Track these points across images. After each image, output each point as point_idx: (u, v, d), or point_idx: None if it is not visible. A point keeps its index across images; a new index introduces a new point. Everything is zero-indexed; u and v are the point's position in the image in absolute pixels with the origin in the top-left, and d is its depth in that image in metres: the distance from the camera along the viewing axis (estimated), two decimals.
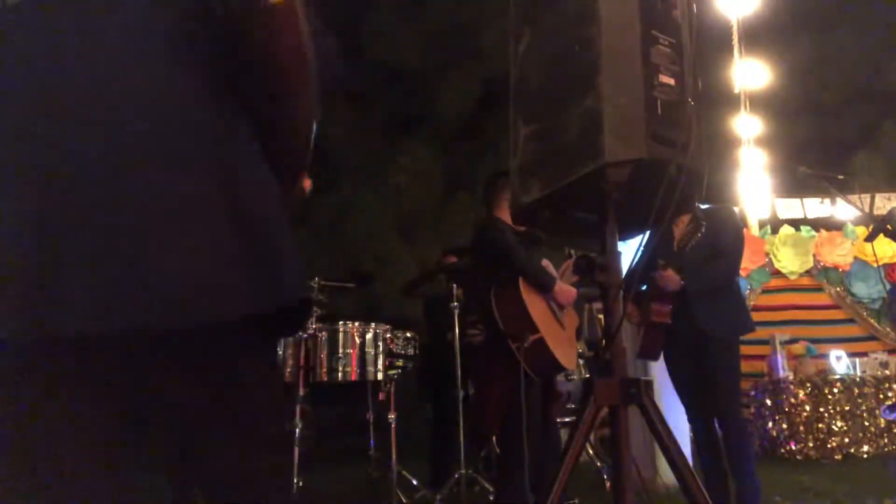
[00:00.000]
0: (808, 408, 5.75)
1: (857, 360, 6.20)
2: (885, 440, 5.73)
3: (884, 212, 3.18)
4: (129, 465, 0.85)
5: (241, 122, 0.93)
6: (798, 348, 6.38)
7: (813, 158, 9.32)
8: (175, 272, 0.80)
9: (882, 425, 5.75)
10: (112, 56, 0.85)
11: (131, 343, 0.80)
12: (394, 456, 3.84)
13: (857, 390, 5.85)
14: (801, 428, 5.71)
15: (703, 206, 3.28)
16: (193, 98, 0.88)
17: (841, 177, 2.77)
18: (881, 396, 5.84)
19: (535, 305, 2.90)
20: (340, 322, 3.76)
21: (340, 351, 3.65)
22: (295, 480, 3.42)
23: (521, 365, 2.70)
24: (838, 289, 7.03)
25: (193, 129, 0.87)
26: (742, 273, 6.72)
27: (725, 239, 3.14)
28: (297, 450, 3.45)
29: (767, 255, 7.08)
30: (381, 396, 4.03)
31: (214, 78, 0.91)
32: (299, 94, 0.98)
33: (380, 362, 3.75)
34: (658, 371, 3.57)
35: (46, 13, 0.85)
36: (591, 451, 4.48)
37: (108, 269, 0.77)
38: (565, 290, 3.03)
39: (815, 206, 7.90)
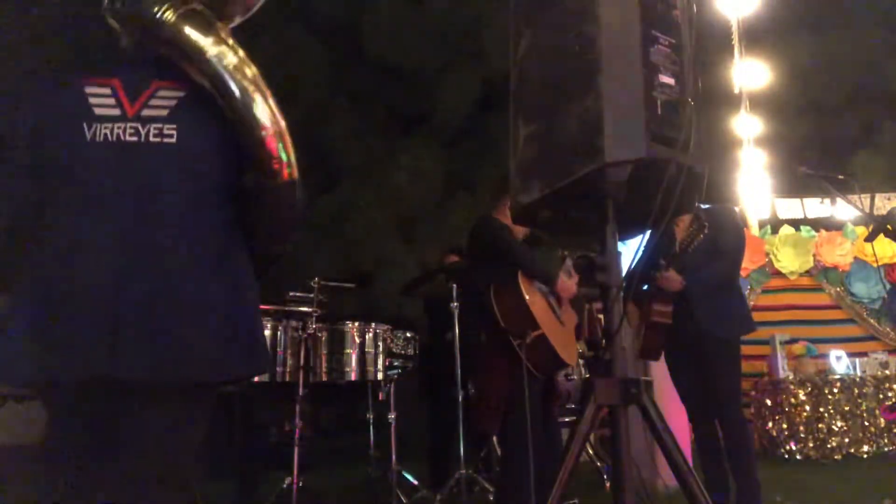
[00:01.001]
0: (808, 408, 5.75)
1: (857, 360, 6.19)
2: (885, 440, 5.72)
3: (884, 212, 3.18)
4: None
5: (243, 246, 1.44)
6: (798, 348, 6.38)
7: (813, 158, 9.31)
8: (197, 350, 1.30)
9: (882, 425, 5.75)
10: (166, 200, 1.34)
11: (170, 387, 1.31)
12: (394, 456, 3.84)
13: (857, 390, 5.84)
14: (801, 428, 5.71)
15: (704, 206, 3.28)
16: (219, 234, 1.40)
17: (841, 177, 2.77)
18: (881, 396, 5.83)
19: (535, 302, 2.90)
20: (340, 322, 3.76)
21: (340, 351, 3.65)
22: (295, 480, 3.42)
23: (522, 362, 2.70)
24: (838, 289, 7.03)
25: (216, 255, 1.38)
26: (742, 273, 6.72)
27: (726, 239, 3.14)
28: (297, 450, 3.45)
29: (767, 255, 7.07)
30: (381, 396, 4.03)
31: (232, 222, 1.43)
32: (287, 235, 1.54)
33: (380, 362, 3.75)
34: (658, 371, 3.57)
35: (124, 159, 1.33)
36: (591, 451, 4.48)
37: (159, 342, 1.27)
38: (566, 284, 3.04)
39: (815, 206, 7.90)
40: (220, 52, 1.33)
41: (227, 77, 1.33)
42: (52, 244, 1.31)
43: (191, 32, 1.33)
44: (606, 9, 1.36)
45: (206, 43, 1.33)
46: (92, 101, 1.36)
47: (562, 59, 1.45)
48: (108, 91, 1.37)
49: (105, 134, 1.33)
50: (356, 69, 11.27)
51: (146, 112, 1.36)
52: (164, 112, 1.36)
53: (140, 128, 1.34)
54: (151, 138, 1.34)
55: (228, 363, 1.35)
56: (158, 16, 1.32)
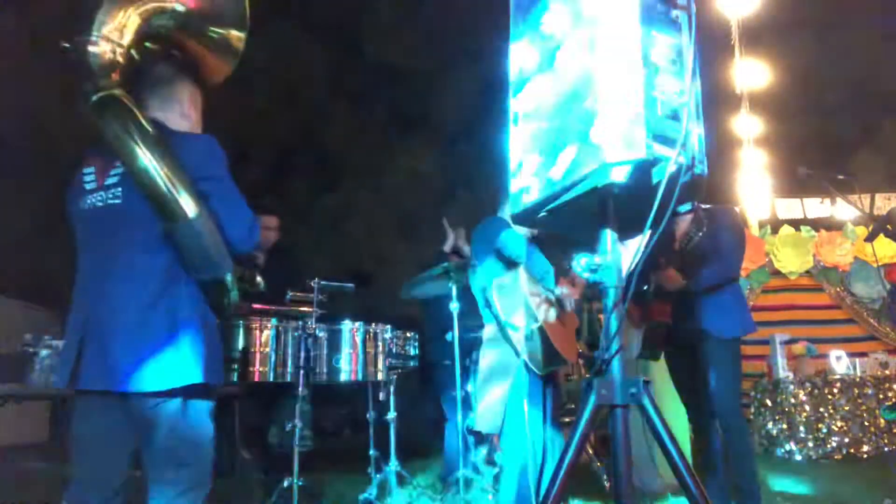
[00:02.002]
0: (808, 408, 5.75)
1: (857, 360, 6.19)
2: (885, 440, 5.72)
3: (884, 212, 3.18)
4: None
5: (183, 279, 1.80)
6: (798, 348, 6.38)
7: (813, 158, 9.32)
8: (129, 367, 1.70)
9: (882, 425, 5.75)
10: (119, 248, 1.78)
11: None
12: (393, 456, 3.83)
13: (857, 390, 5.84)
14: (801, 428, 5.71)
15: (704, 207, 3.27)
16: (158, 272, 1.77)
17: (841, 177, 2.77)
18: (881, 396, 5.83)
19: (535, 297, 2.92)
20: (340, 322, 3.76)
21: (340, 351, 3.65)
22: (295, 480, 3.42)
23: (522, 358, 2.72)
24: (838, 289, 7.03)
25: (155, 288, 1.75)
26: (742, 273, 6.72)
27: (726, 239, 3.14)
28: (296, 450, 3.45)
29: (767, 255, 7.07)
30: (381, 396, 4.03)
31: (172, 260, 1.78)
32: (211, 265, 1.83)
33: (380, 362, 3.75)
34: (658, 371, 3.57)
35: (99, 221, 1.83)
36: (591, 451, 4.48)
37: (101, 362, 1.73)
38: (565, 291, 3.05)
39: (815, 206, 7.90)
40: (122, 137, 1.73)
41: (127, 158, 1.73)
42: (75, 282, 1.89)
43: (103, 119, 1.75)
44: (606, 9, 1.36)
45: (108, 126, 1.74)
46: (85, 179, 1.86)
47: (562, 59, 1.45)
48: (92, 170, 1.86)
49: (89, 202, 1.83)
50: (356, 69, 11.28)
51: (108, 181, 1.82)
52: (116, 179, 1.81)
53: (104, 194, 1.81)
54: (109, 201, 1.80)
55: (161, 377, 1.71)
56: (88, 105, 1.75)
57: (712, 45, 8.41)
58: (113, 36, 1.76)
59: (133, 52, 1.90)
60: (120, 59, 1.77)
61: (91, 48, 1.73)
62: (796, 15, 10.57)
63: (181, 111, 1.95)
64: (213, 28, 2.02)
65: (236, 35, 2.05)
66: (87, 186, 1.84)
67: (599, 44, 1.35)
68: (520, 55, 1.61)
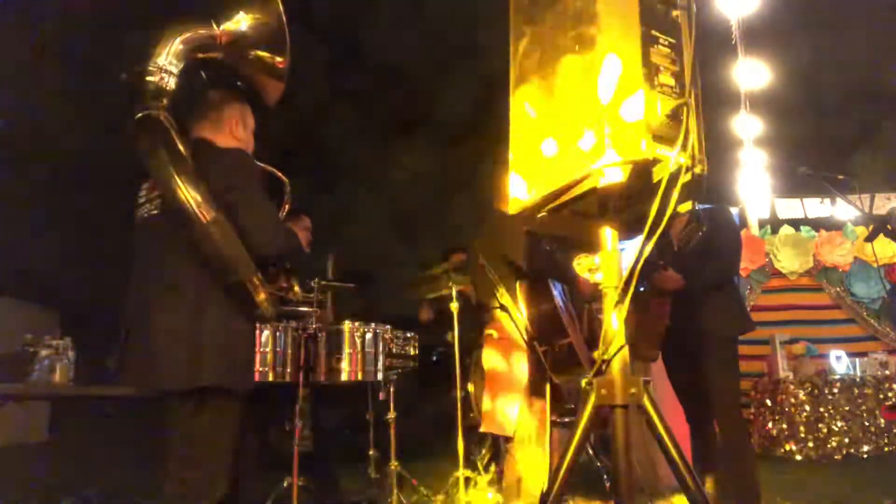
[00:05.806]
0: (808, 408, 5.75)
1: (857, 360, 6.19)
2: (885, 440, 5.72)
3: (884, 212, 3.18)
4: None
5: (210, 284, 1.94)
6: (798, 348, 6.38)
7: (813, 158, 9.30)
8: (164, 365, 1.89)
9: (882, 425, 5.75)
10: (155, 257, 2.01)
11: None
12: (393, 456, 3.84)
13: (857, 390, 5.85)
14: (801, 428, 5.71)
15: (703, 207, 3.27)
16: (184, 277, 1.94)
17: (841, 177, 2.77)
18: (881, 396, 5.83)
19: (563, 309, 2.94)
20: (340, 322, 3.75)
21: (340, 351, 3.65)
22: (295, 480, 3.42)
23: (542, 364, 2.70)
24: (838, 289, 7.03)
25: (183, 294, 1.93)
26: (742, 273, 6.72)
27: (723, 239, 3.14)
28: (296, 450, 3.44)
29: (767, 255, 7.07)
30: (381, 396, 4.03)
31: (195, 265, 1.94)
32: (227, 269, 1.95)
33: (380, 362, 3.74)
34: (658, 371, 3.57)
35: (143, 230, 2.08)
36: (591, 451, 4.48)
37: (138, 362, 1.96)
38: (588, 282, 3.06)
39: (815, 206, 7.89)
40: (154, 159, 1.91)
41: (153, 169, 1.93)
42: None
43: (140, 135, 1.94)
44: (606, 9, 1.36)
45: (142, 141, 1.93)
46: (140, 193, 2.11)
47: (562, 59, 1.45)
48: (145, 187, 2.10)
49: (139, 214, 2.08)
50: (356, 69, 11.28)
51: (152, 195, 2.05)
52: (155, 194, 2.03)
53: (149, 206, 2.06)
54: (151, 212, 2.04)
55: (179, 377, 1.88)
56: (133, 123, 1.95)
57: (712, 45, 8.40)
58: (167, 66, 1.99)
59: (207, 76, 2.25)
60: (171, 87, 2.00)
61: (148, 77, 1.97)
62: (796, 15, 10.57)
63: (230, 131, 2.18)
64: (255, 52, 2.26)
65: (278, 57, 2.28)
66: (140, 200, 2.09)
67: (599, 43, 1.35)
68: (520, 54, 1.61)
